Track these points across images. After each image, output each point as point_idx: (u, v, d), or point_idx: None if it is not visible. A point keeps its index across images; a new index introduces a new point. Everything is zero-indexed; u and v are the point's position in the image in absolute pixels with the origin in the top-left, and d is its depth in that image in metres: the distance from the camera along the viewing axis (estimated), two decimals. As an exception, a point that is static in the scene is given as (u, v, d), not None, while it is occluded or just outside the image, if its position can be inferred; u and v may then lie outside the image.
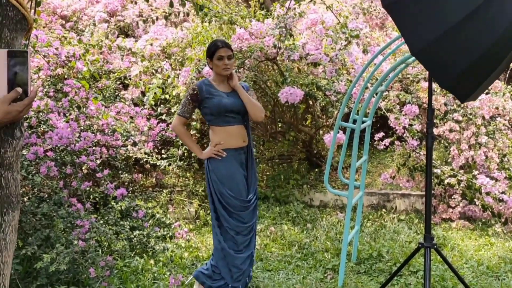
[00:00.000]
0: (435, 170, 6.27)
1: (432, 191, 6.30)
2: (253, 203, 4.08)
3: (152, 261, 4.85)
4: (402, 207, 6.63)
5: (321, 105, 7.06)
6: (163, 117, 6.86)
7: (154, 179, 6.85)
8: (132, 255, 4.89)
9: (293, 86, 5.95)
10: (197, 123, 6.64)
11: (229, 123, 3.97)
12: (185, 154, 6.77)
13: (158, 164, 6.43)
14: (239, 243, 4.05)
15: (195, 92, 3.95)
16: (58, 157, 5.15)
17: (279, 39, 6.15)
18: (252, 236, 4.13)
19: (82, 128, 5.64)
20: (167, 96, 6.80)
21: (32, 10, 4.94)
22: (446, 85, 2.97)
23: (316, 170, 7.48)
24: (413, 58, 4.01)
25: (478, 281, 4.66)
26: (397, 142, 6.57)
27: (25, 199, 4.75)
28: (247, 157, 4.10)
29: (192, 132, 6.59)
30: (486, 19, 2.76)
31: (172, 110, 6.76)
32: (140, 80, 6.97)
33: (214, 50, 3.94)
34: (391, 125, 6.32)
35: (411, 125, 6.26)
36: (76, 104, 5.76)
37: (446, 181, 6.23)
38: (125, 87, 7.37)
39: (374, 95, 4.70)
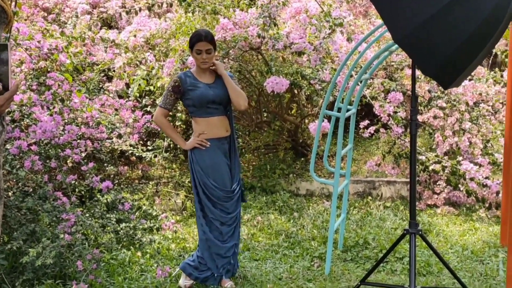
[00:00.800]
0: (420, 157, 6.30)
1: (417, 178, 6.38)
2: (237, 193, 4.11)
3: (139, 253, 4.83)
4: (387, 194, 6.66)
5: (306, 94, 7.04)
6: (148, 108, 6.83)
7: (140, 171, 6.82)
8: (119, 247, 4.87)
9: (278, 75, 5.93)
10: (182, 114, 6.62)
11: (211, 114, 3.98)
12: (171, 145, 6.75)
13: (143, 156, 6.41)
14: (224, 233, 4.06)
15: (176, 84, 3.95)
16: (42, 151, 5.10)
17: (263, 28, 6.12)
18: (236, 225, 4.14)
19: (66, 121, 5.59)
20: (151, 88, 6.77)
21: (13, 3, 4.88)
22: (429, 73, 2.96)
23: (302, 159, 7.48)
24: (396, 45, 4.00)
25: (462, 265, 4.70)
26: (382, 130, 6.59)
27: (10, 193, 4.70)
28: (230, 147, 4.11)
29: (178, 123, 6.55)
30: (472, 2, 2.73)
31: (157, 102, 6.70)
32: (124, 72, 6.91)
33: (194, 42, 3.92)
34: (376, 112, 6.33)
35: (395, 112, 6.26)
36: (60, 97, 5.71)
37: (430, 168, 6.25)
38: (109, 79, 7.32)
39: (359, 83, 4.70)
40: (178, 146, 6.73)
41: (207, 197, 4.00)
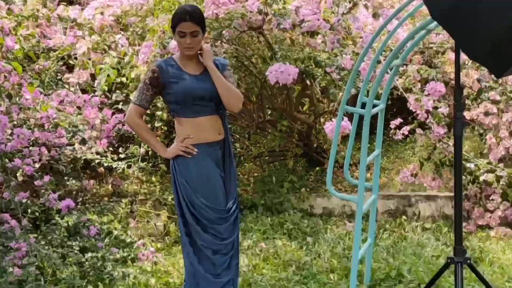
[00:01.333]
0: (468, 165, 6.28)
1: (465, 192, 6.33)
2: (233, 213, 4.05)
3: (109, 291, 4.83)
4: (427, 213, 6.64)
5: (321, 85, 7.01)
6: (120, 106, 6.82)
7: (110, 185, 6.82)
8: (84, 284, 4.83)
9: (285, 62, 5.92)
10: (163, 112, 6.62)
11: (199, 113, 3.96)
12: (149, 153, 6.76)
13: (114, 166, 6.43)
14: (217, 264, 4.00)
15: (155, 75, 3.91)
16: (-15, 161, 5.09)
17: (265, 2, 6.09)
18: (233, 255, 4.09)
19: (15, 123, 5.58)
20: (123, 79, 6.75)
21: None
22: (477, 57, 2.95)
23: (317, 169, 7.46)
24: (435, 22, 4.00)
25: (524, 304, 4.68)
26: (418, 130, 6.57)
27: None
28: (224, 154, 4.10)
29: (158, 124, 6.57)
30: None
31: (131, 97, 6.66)
32: (89, 59, 6.89)
33: (176, 23, 3.89)
34: (410, 108, 6.31)
35: (436, 108, 6.25)
36: (6, 93, 5.67)
37: (481, 178, 6.22)
38: (70, 69, 7.29)
39: (388, 71, 4.68)
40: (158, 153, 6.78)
41: (195, 219, 3.95)
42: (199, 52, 4.00)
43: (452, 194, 6.23)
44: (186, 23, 3.83)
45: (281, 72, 5.71)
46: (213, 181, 3.97)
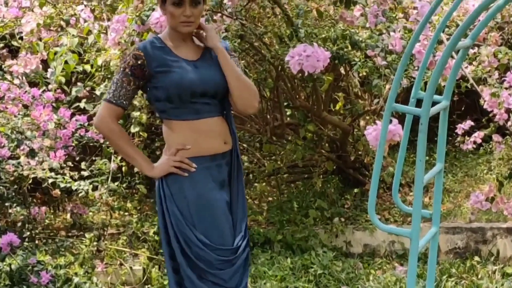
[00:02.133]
0: None
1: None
2: (242, 253, 4.04)
3: None
4: (508, 252, 6.66)
5: (360, 75, 7.05)
6: (82, 104, 6.90)
7: (68, 215, 6.92)
8: None
9: (311, 42, 5.90)
10: (143, 113, 6.64)
11: (199, 113, 3.96)
12: (123, 169, 6.82)
13: (75, 188, 6.40)
14: None
15: (139, 62, 3.89)
16: None
17: (282, -41, 6.10)
18: None
19: None
20: (87, 68, 6.81)
21: None
22: None
23: (355, 191, 7.52)
24: (518, -13, 4.01)
25: None
26: (496, 137, 6.58)
27: None
28: (231, 171, 4.09)
29: (134, 129, 6.58)
30: None
31: (97, 92, 6.73)
32: (40, 40, 6.91)
33: None
34: (484, 107, 6.30)
35: (521, 105, 6.23)
36: None
37: None
38: (13, 53, 7.36)
39: (453, 55, 4.80)
40: (135, 169, 6.85)
41: (189, 262, 3.94)
42: (196, 32, 4.03)
43: None
44: None
45: (307, 57, 5.50)
46: (217, 209, 3.96)
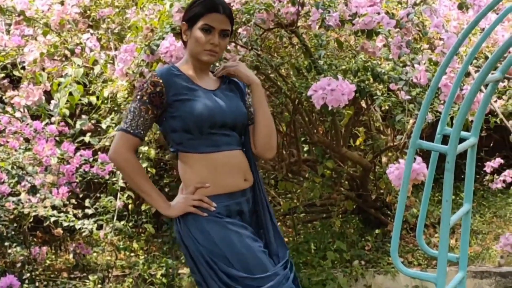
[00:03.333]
0: None
1: None
2: (285, 280, 3.77)
3: None
4: (542, 301, 6.55)
5: (382, 109, 7.00)
6: (87, 138, 6.82)
7: (71, 255, 6.79)
8: None
9: (333, 74, 5.74)
10: (151, 148, 6.45)
11: (218, 146, 3.77)
12: (129, 207, 6.70)
13: (78, 227, 6.28)
14: None
15: (157, 89, 3.68)
16: None
17: (301, -13, 6.13)
18: None
19: None
20: (93, 99, 6.73)
21: None
22: None
23: (377, 231, 7.41)
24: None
25: None
26: (527, 176, 6.60)
27: None
28: (256, 208, 3.90)
29: (142, 165, 6.28)
30: None
31: (103, 126, 6.67)
32: (43, 70, 6.78)
33: (201, 12, 3.75)
34: (515, 144, 6.10)
35: (554, 142, 6.23)
36: None
37: None
38: (15, 83, 7.26)
39: (482, 89, 4.50)
40: (144, 207, 6.91)
41: None
42: (213, 69, 4.02)
43: None
44: (218, 15, 3.75)
45: (332, 91, 5.34)
46: (245, 240, 3.71)
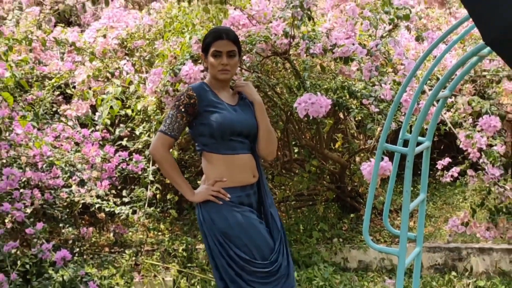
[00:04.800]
0: (529, 212, 6.24)
1: (525, 244, 6.28)
2: (280, 266, 3.96)
3: None
4: (480, 268, 6.61)
5: (356, 119, 7.07)
6: (124, 142, 6.88)
7: (111, 234, 6.90)
8: None
9: (315, 92, 5.88)
10: (174, 149, 6.63)
11: (235, 150, 3.97)
12: (157, 196, 6.78)
13: (117, 212, 6.43)
14: None
15: (191, 101, 3.91)
16: (-30, 206, 5.07)
17: (292, 24, 6.10)
18: None
19: (4, 162, 5.61)
20: (128, 112, 6.81)
21: None
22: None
23: (352, 216, 7.48)
24: (489, 48, 3.99)
25: None
26: (470, 172, 6.52)
27: None
28: (260, 199, 4.09)
29: None
30: None
31: (137, 132, 6.79)
32: (89, 88, 6.95)
33: (210, 41, 3.96)
34: (460, 146, 6.27)
35: (490, 145, 6.20)
36: (-5, 127, 5.71)
37: (545, 228, 6.11)
38: (67, 99, 7.37)
39: (434, 103, 4.68)
40: (168, 196, 6.97)
41: (236, 273, 3.87)
42: (232, 85, 4.09)
43: (511, 246, 6.54)
44: (223, 41, 3.93)
45: (312, 104, 5.56)
46: (256, 226, 3.92)
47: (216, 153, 3.94)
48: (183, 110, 3.88)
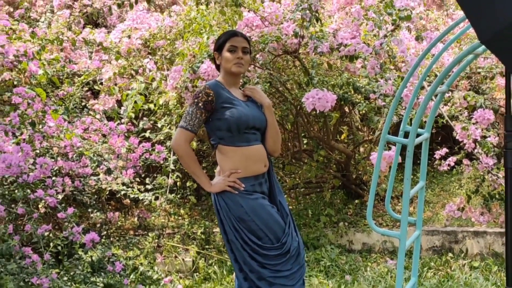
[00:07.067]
0: (520, 198, 6.21)
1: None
2: (292, 248, 3.97)
3: (135, 331, 4.84)
4: (475, 250, 6.61)
5: (361, 113, 7.06)
6: (147, 134, 6.88)
7: (136, 218, 6.91)
8: (108, 322, 4.88)
9: (322, 88, 5.90)
10: (193, 141, 6.64)
11: (249, 142, 3.97)
12: (177, 183, 6.79)
13: (141, 198, 6.44)
14: None
15: (209, 98, 3.89)
16: (6, 192, 5.12)
17: (301, 25, 6.11)
18: None
19: (37, 152, 5.62)
20: (151, 106, 6.80)
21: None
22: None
23: (356, 201, 7.47)
24: (484, 47, 3.97)
25: None
26: (465, 161, 6.54)
27: (-39, 249, 4.71)
28: (270, 187, 4.08)
29: None
30: None
31: (159, 125, 6.80)
32: (115, 85, 6.97)
33: (226, 39, 3.99)
34: (456, 137, 6.27)
35: (484, 137, 6.21)
36: (30, 120, 5.71)
37: (535, 213, 6.12)
38: (95, 95, 7.39)
39: (433, 98, 4.69)
40: (187, 184, 6.96)
41: (250, 255, 3.88)
42: (241, 88, 4.09)
43: (503, 229, 6.46)
44: (238, 38, 3.99)
45: (319, 99, 5.60)
46: (269, 211, 3.92)
47: (232, 145, 3.93)
48: (202, 106, 3.86)
